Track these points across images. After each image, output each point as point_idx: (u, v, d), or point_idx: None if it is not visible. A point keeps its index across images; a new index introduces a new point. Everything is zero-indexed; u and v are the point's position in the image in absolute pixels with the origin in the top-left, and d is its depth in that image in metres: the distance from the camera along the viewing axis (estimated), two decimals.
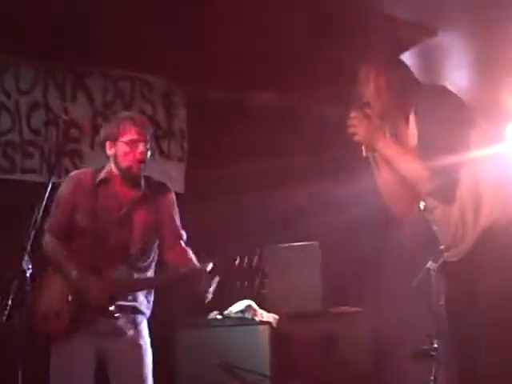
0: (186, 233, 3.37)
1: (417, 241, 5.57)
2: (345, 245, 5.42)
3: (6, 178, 4.50)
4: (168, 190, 3.35)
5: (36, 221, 2.82)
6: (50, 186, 2.92)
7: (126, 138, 3.12)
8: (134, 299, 3.20)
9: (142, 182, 3.23)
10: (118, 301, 3.09)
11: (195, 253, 3.31)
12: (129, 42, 4.46)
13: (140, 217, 3.18)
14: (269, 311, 4.64)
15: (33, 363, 2.73)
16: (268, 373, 4.28)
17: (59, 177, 4.54)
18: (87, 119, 4.77)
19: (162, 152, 5.02)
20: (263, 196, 5.19)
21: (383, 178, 2.67)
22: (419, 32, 4.60)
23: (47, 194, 2.90)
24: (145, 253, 3.23)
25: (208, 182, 4.94)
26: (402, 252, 5.65)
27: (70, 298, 3.08)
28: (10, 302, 2.60)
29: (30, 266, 2.73)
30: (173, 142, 5.14)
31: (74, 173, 3.35)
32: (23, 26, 4.17)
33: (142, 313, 3.25)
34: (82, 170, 3.38)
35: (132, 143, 3.11)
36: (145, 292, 3.25)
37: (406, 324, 5.20)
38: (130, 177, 3.17)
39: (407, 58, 4.71)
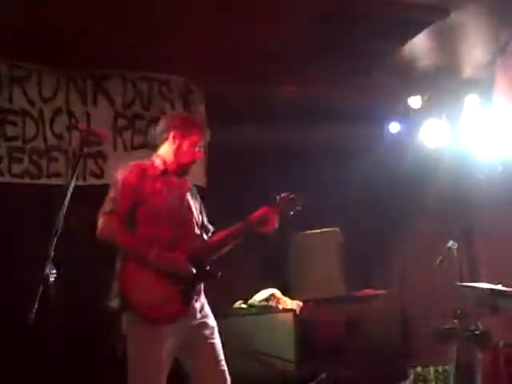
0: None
1: (438, 222, 5.65)
2: (366, 229, 5.48)
3: (32, 183, 4.68)
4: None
5: (58, 226, 2.97)
6: (71, 189, 3.07)
7: (192, 139, 3.45)
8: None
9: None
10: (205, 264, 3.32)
11: None
12: (145, 43, 4.57)
13: (191, 200, 3.49)
14: (293, 298, 4.76)
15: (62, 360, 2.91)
16: (294, 358, 4.41)
17: (84, 179, 4.80)
18: (109, 121, 4.93)
19: None
20: (282, 186, 5.30)
21: None
22: (432, 13, 4.61)
23: (68, 197, 3.04)
24: (202, 232, 3.47)
25: (229, 176, 5.08)
26: (423, 232, 5.70)
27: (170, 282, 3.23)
28: (36, 306, 2.73)
29: (54, 271, 2.86)
30: None
31: (134, 163, 3.45)
32: (43, 35, 4.30)
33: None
34: (139, 162, 3.47)
35: (195, 145, 3.46)
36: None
37: (431, 303, 5.26)
38: (183, 170, 3.49)
39: (421, 39, 4.81)
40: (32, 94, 4.75)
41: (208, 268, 3.32)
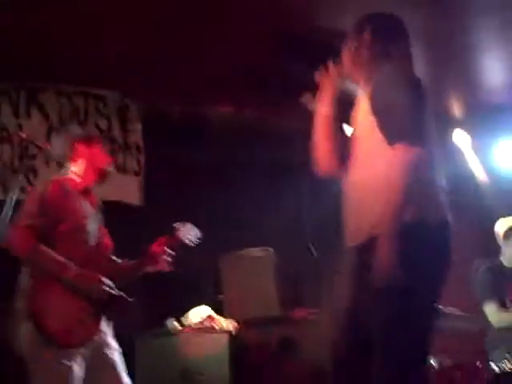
0: (143, 245, 3.49)
1: None
2: (299, 248, 5.49)
3: None
4: None
5: None
6: (12, 203, 2.97)
7: (97, 145, 3.38)
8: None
9: None
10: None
11: None
12: (82, 58, 4.52)
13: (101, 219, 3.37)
14: (226, 317, 4.73)
15: None
16: (228, 379, 4.38)
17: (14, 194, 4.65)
18: (43, 135, 4.82)
19: (118, 166, 5.02)
20: (217, 205, 5.34)
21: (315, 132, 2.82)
22: None
23: (10, 211, 2.96)
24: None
25: (163, 194, 5.06)
26: None
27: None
28: None
29: None
30: (129, 156, 5.20)
31: (55, 178, 3.28)
32: None
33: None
34: (60, 178, 3.30)
35: (102, 148, 3.41)
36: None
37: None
38: (104, 176, 3.37)
39: None
40: None
41: (120, 293, 3.15)
